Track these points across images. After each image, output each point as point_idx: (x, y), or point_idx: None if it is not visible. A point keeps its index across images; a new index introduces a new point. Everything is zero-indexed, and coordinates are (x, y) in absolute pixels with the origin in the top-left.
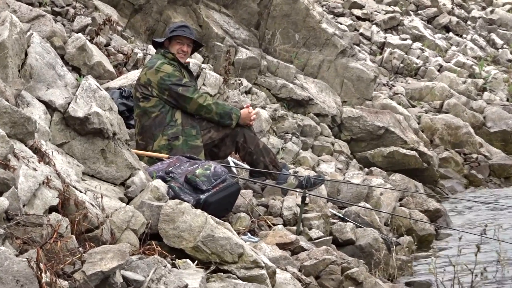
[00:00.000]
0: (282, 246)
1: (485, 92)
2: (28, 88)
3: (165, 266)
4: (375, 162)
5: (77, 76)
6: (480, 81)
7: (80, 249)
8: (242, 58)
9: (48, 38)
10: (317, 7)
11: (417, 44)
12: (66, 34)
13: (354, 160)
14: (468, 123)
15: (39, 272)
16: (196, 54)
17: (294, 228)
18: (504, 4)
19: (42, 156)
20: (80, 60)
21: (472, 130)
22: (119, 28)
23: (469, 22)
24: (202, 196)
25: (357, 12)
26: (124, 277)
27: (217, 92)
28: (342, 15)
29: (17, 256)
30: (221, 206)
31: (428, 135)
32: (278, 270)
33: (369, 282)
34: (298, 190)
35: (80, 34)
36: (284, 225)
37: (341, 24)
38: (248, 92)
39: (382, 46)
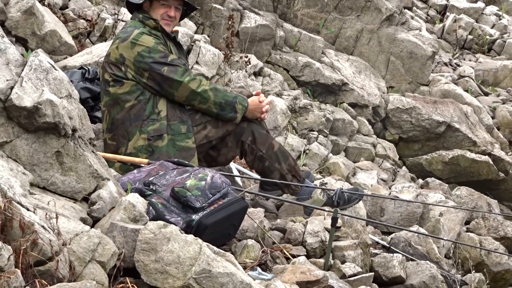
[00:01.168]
0: (304, 285)
1: None
2: None
3: None
4: (432, 171)
5: (23, 50)
6: None
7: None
8: (250, 27)
9: None
10: None
11: (492, 8)
12: None
13: (404, 167)
14: None
15: None
16: (186, 20)
17: (322, 261)
18: None
19: None
20: (26, 28)
21: None
22: None
23: None
24: (195, 217)
25: None
26: None
27: (216, 73)
28: None
29: None
30: (221, 230)
31: (506, 133)
32: None
33: None
34: (327, 208)
35: None
36: (308, 256)
37: None
38: (258, 73)
39: (443, 10)
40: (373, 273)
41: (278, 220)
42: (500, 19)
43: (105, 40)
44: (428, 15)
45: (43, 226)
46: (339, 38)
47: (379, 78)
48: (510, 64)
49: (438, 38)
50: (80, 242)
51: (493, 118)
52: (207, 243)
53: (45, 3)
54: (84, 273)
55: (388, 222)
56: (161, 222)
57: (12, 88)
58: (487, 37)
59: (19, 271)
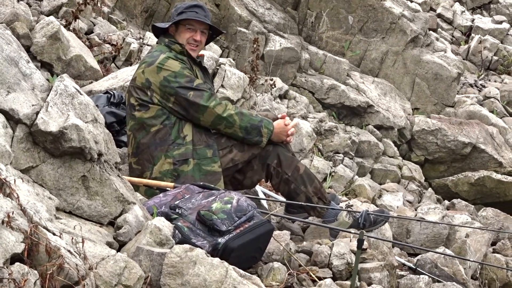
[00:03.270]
0: None
1: None
2: None
3: None
4: (458, 192)
5: (48, 75)
6: None
7: None
8: (275, 50)
9: (8, 24)
10: None
11: None
12: (32, 18)
13: (430, 189)
14: None
15: None
16: (212, 44)
17: (348, 283)
18: None
19: (1, 186)
20: (52, 53)
21: None
22: (106, 9)
23: None
24: (221, 240)
25: None
26: None
27: (241, 96)
28: None
29: None
30: (247, 253)
31: None
32: None
33: None
34: (353, 231)
35: (52, 18)
36: (334, 279)
37: (412, 1)
38: (283, 96)
39: (468, 32)
40: None
41: (304, 242)
42: None
43: (131, 65)
44: (453, 36)
45: (69, 251)
46: (364, 60)
47: (405, 99)
48: None
49: (463, 59)
50: (106, 266)
51: None
52: (233, 266)
53: (70, 28)
54: None
55: (414, 243)
56: (187, 246)
57: (37, 113)
58: None
59: None
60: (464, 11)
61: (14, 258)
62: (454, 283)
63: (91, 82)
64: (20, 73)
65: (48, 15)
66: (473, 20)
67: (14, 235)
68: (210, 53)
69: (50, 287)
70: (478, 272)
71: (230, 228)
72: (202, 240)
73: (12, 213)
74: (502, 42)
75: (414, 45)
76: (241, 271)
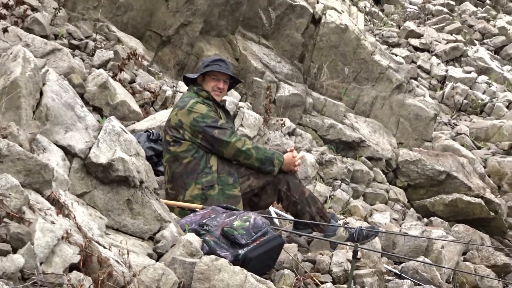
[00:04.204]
0: None
1: None
2: (44, 132)
3: None
4: (435, 211)
5: (99, 117)
6: None
7: None
8: (285, 95)
9: (66, 75)
10: (369, 37)
11: (483, 78)
12: (85, 70)
13: (412, 209)
14: None
15: None
16: (233, 91)
17: (345, 286)
18: None
19: (61, 208)
20: (102, 99)
21: None
22: (145, 63)
23: None
24: (241, 251)
25: (415, 42)
26: None
27: (257, 133)
28: (397, 45)
29: None
30: (262, 262)
31: (495, 180)
32: None
33: None
34: (349, 243)
35: (101, 70)
36: (334, 283)
37: (396, 55)
38: (291, 133)
39: (443, 80)
40: None
41: (309, 253)
42: (490, 86)
43: (166, 108)
44: (430, 84)
45: (117, 261)
46: (358, 103)
47: (391, 136)
48: (498, 123)
49: (439, 102)
50: (147, 274)
51: (484, 167)
52: (251, 273)
53: (117, 79)
54: None
55: (399, 254)
56: (213, 256)
57: (90, 148)
58: (479, 101)
59: None
60: (439, 63)
61: (72, 267)
62: (432, 286)
63: (134, 123)
64: (75, 116)
65: (98, 68)
66: (447, 71)
67: (71, 248)
68: (232, 98)
69: None
70: (451, 277)
71: (248, 241)
72: (226, 251)
73: (70, 230)
74: (471, 88)
75: (399, 91)
76: (258, 277)
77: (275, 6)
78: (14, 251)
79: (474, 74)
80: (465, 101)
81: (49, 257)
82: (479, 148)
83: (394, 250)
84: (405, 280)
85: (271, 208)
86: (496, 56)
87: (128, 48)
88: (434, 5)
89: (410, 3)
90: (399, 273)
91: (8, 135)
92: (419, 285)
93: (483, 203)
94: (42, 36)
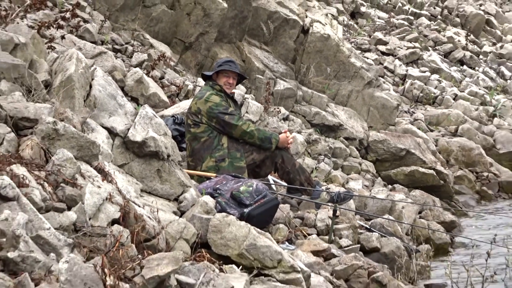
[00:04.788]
0: (316, 253)
1: (495, 118)
2: (93, 116)
3: (213, 271)
4: (397, 180)
5: (135, 105)
6: (491, 108)
7: (139, 256)
8: (280, 89)
9: (110, 72)
10: (346, 44)
11: (435, 76)
12: (125, 69)
13: (379, 178)
14: (480, 145)
15: (104, 276)
16: (240, 85)
17: (326, 237)
18: None
19: (105, 176)
20: (138, 91)
21: (483, 152)
22: (172, 63)
23: (481, 56)
24: (246, 210)
25: (382, 48)
26: (178, 281)
27: (259, 119)
28: (368, 50)
29: (84, 262)
30: (262, 219)
31: (444, 156)
32: (312, 274)
33: (392, 284)
34: (330, 204)
35: (137, 69)
36: (318, 235)
37: (367, 58)
38: (285, 119)
39: (404, 77)
40: (359, 245)
41: (299, 212)
42: (440, 83)
43: (188, 98)
44: (394, 80)
45: (149, 217)
46: (337, 96)
47: (363, 121)
48: (446, 112)
49: (401, 95)
50: (172, 227)
51: (436, 146)
52: (254, 227)
53: (149, 76)
54: (175, 247)
55: (369, 212)
56: (224, 214)
57: (128, 129)
58: (432, 94)
59: (133, 245)
60: (401, 65)
61: (114, 222)
62: (394, 237)
63: (163, 110)
64: (117, 104)
65: (135, 67)
66: (407, 70)
67: (113, 207)
68: (239, 91)
69: (137, 240)
70: (410, 231)
71: (251, 202)
72: (234, 210)
73: (112, 193)
74: (425, 84)
75: (369, 86)
76: (259, 230)
77: (273, 20)
78: (69, 209)
79: (428, 73)
80: (421, 94)
81: (96, 214)
82: (431, 131)
83: (365, 209)
84: (374, 233)
85: (269, 177)
86: (445, 59)
87: (158, 52)
88: (397, 19)
89: (378, 18)
90: (369, 227)
91: (64, 118)
92: (385, 236)
93: (435, 174)
94: (91, 42)
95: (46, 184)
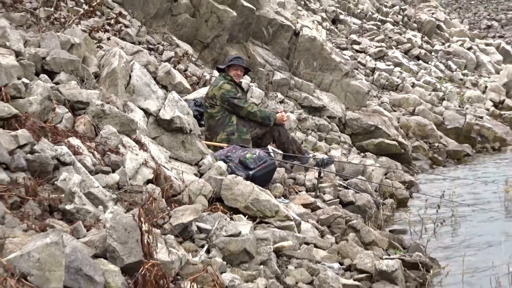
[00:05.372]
0: (305, 205)
1: (444, 101)
2: (132, 100)
3: (225, 219)
4: (368, 149)
5: (165, 91)
6: (441, 94)
7: (168, 208)
8: (277, 79)
9: (145, 66)
10: (328, 44)
11: (397, 68)
12: (157, 63)
13: (354, 148)
14: (432, 122)
15: (140, 223)
16: (246, 76)
17: (313, 193)
18: (457, 41)
19: (142, 146)
20: (167, 80)
21: (435, 127)
22: (193, 59)
23: (433, 53)
24: (251, 172)
25: (356, 47)
26: (198, 227)
27: (260, 102)
28: (345, 49)
29: (125, 213)
30: (263, 179)
31: (404, 130)
32: (302, 222)
33: (364, 230)
34: (316, 168)
35: (166, 63)
36: (306, 191)
37: (345, 55)
38: (281, 102)
39: (373, 70)
40: (339, 199)
41: (292, 173)
42: (401, 74)
43: (205, 86)
44: (365, 72)
45: (175, 178)
46: (322, 84)
47: (341, 103)
48: (406, 96)
49: (371, 83)
50: (194, 185)
51: (398, 123)
52: (257, 185)
53: (176, 68)
54: (196, 201)
55: (346, 174)
56: (233, 175)
57: (159, 110)
58: (395, 83)
59: (163, 200)
60: (371, 60)
61: (148, 181)
62: (366, 193)
63: (186, 95)
64: (151, 90)
65: (165, 62)
66: (375, 64)
67: (148, 170)
68: (245, 80)
69: (166, 195)
70: (378, 188)
71: (255, 166)
72: (241, 172)
73: (147, 159)
74: (390, 75)
75: (346, 76)
76: (260, 188)
77: (272, 25)
78: (113, 171)
79: (392, 66)
80: (386, 83)
81: (134, 175)
82: (394, 111)
83: (343, 172)
84: (350, 190)
85: (269, 146)
86: (405, 55)
87: (183, 50)
88: (368, 25)
89: (354, 24)
90: (346, 185)
91: (110, 101)
92: (358, 192)
93: (397, 144)
94: (131, 43)
95: (95, 153)
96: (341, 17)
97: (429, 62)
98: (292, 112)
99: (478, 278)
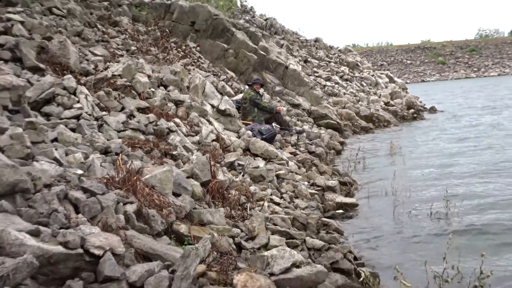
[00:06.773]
0: (291, 153)
1: (359, 102)
2: (205, 99)
3: (251, 159)
4: (321, 125)
5: (221, 96)
6: (358, 98)
7: (223, 153)
8: (276, 90)
9: (211, 83)
10: (302, 72)
11: (337, 85)
12: (217, 81)
13: (315, 125)
14: (353, 112)
15: (210, 161)
16: (262, 88)
17: (295, 147)
18: (367, 72)
19: (210, 123)
20: (222, 90)
21: (355, 115)
22: (235, 79)
23: (354, 78)
24: (264, 136)
25: (316, 74)
26: (238, 163)
27: (268, 101)
28: (311, 75)
29: (202, 155)
30: (270, 140)
31: (340, 116)
32: (289, 161)
33: (320, 166)
34: (296, 134)
35: (223, 82)
36: (292, 146)
37: (311, 78)
38: (279, 101)
39: (324, 86)
40: (307, 150)
41: (284, 137)
42: (339, 88)
43: (240, 93)
44: (321, 87)
45: (227, 138)
46: (298, 92)
47: (309, 102)
48: (341, 99)
49: (324, 92)
50: (235, 142)
51: (336, 112)
52: (267, 143)
53: (227, 84)
54: (237, 150)
55: (310, 137)
56: (255, 138)
57: (219, 105)
58: (335, 92)
59: (221, 149)
60: (323, 80)
61: (213, 140)
62: (321, 147)
63: (231, 97)
64: (214, 95)
65: (221, 81)
66: (326, 83)
67: (213, 135)
68: (262, 90)
69: (222, 147)
70: (326, 144)
71: (266, 134)
72: (259, 136)
73: (213, 130)
74: (333, 88)
75: (311, 89)
76: (268, 144)
77: (274, 63)
78: (196, 135)
79: (334, 84)
80: (331, 92)
81: (206, 137)
82: (335, 107)
83: (309, 136)
84: (313, 145)
85: (273, 124)
86: (340, 79)
87: (230, 75)
88: (322, 63)
89: (315, 62)
90: (311, 143)
91: (194, 100)
92: (317, 146)
93: (336, 123)
94: (204, 71)
95: (187, 126)
96: (309, 59)
97: (352, 82)
98: (284, 106)
99: (377, 185)
